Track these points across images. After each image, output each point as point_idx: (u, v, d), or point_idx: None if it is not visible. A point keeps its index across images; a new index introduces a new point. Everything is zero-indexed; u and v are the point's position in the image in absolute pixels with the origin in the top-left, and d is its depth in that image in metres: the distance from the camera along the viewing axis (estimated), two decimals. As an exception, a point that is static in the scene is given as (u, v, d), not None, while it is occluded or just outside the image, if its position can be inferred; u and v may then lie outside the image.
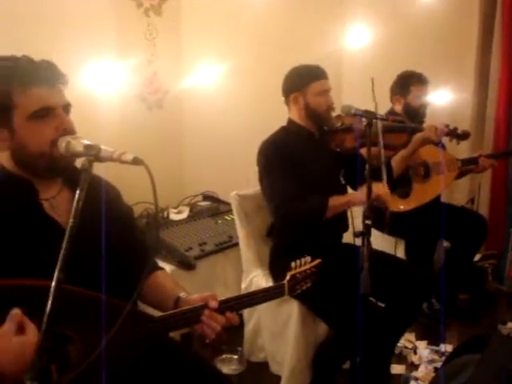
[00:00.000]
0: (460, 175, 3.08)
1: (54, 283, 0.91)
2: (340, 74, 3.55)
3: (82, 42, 2.70)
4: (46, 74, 1.31)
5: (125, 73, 3.03)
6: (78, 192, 1.05)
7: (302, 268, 1.64)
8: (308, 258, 1.67)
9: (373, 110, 2.02)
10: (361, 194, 2.15)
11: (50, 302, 0.89)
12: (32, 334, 1.11)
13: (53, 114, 1.29)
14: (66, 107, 1.35)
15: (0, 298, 1.15)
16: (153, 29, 3.23)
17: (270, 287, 1.61)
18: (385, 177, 2.02)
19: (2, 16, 2.43)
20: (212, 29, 3.39)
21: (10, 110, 1.27)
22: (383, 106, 2.28)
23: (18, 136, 1.29)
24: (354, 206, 2.32)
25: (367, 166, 1.90)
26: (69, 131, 1.30)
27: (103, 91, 2.90)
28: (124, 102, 3.09)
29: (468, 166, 3.05)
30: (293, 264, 1.63)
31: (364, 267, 1.69)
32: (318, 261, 1.70)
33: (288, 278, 1.61)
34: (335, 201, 2.21)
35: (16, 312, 1.12)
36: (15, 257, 1.25)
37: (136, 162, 1.07)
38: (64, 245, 0.97)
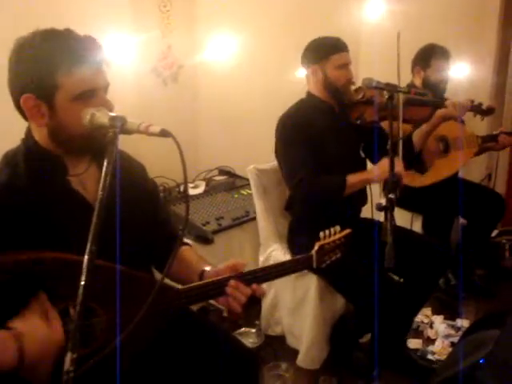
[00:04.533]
0: (479, 152, 3.03)
1: (87, 256, 0.91)
2: (358, 47, 3.48)
3: (94, 15, 2.67)
4: (92, 55, 1.27)
5: (139, 46, 3.00)
6: (105, 165, 1.03)
7: (331, 238, 1.57)
8: (337, 228, 1.59)
9: (393, 79, 1.98)
10: (378, 170, 2.14)
11: (84, 275, 0.88)
12: (57, 324, 1.15)
13: (94, 96, 1.26)
14: (106, 88, 1.32)
15: (29, 271, 1.16)
16: (167, 1, 3.18)
17: (297, 258, 1.55)
18: (401, 153, 1.98)
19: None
20: (227, 1, 3.34)
21: (52, 88, 1.24)
22: (401, 80, 2.24)
23: (58, 115, 1.27)
24: (371, 182, 2.30)
25: (389, 141, 1.87)
26: None
27: (118, 65, 2.87)
28: (139, 76, 3.07)
29: (488, 143, 3.00)
30: (321, 234, 1.56)
31: (388, 242, 1.66)
32: (348, 231, 1.63)
33: (316, 248, 1.54)
34: (353, 179, 2.18)
35: (41, 297, 1.14)
36: (44, 230, 1.25)
37: (164, 133, 1.06)
38: (94, 217, 0.96)
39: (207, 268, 1.48)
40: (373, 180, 2.22)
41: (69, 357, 0.81)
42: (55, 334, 1.14)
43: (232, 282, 1.37)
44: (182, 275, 1.51)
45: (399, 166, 2.03)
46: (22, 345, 1.08)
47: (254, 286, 1.41)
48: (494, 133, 3.02)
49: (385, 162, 2.11)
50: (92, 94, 1.26)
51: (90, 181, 1.39)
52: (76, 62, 1.24)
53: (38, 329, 1.12)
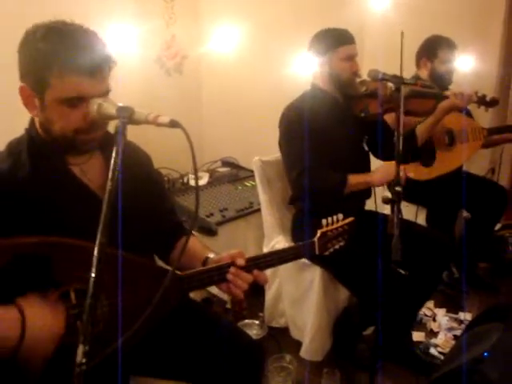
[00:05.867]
0: (484, 145, 3.01)
1: (97, 247, 0.91)
2: (362, 39, 3.46)
3: (99, 5, 2.66)
4: (91, 62, 1.23)
5: (143, 36, 2.99)
6: (113, 156, 1.03)
7: (334, 226, 1.58)
8: (340, 216, 1.60)
9: (397, 71, 1.96)
10: (379, 174, 2.16)
11: (94, 267, 0.88)
12: (61, 316, 1.19)
13: (85, 103, 1.23)
14: (102, 95, 1.25)
15: (31, 254, 1.17)
16: (171, -11, 3.17)
17: (299, 244, 1.55)
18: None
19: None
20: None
21: (43, 85, 1.23)
22: (405, 72, 2.22)
23: (46, 111, 1.27)
24: (372, 186, 2.32)
25: (396, 133, 1.85)
26: (95, 123, 1.27)
27: (122, 55, 2.85)
28: (143, 67, 3.06)
29: (496, 135, 2.98)
30: (324, 221, 1.57)
31: (395, 234, 1.66)
32: (351, 219, 1.63)
33: (318, 235, 1.55)
34: (354, 179, 2.20)
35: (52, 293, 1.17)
36: (46, 217, 1.26)
37: (173, 124, 1.05)
38: (104, 209, 0.96)
39: (211, 255, 1.48)
40: (373, 183, 2.25)
41: (81, 349, 0.81)
42: (57, 324, 1.17)
43: (232, 269, 1.37)
44: (185, 263, 1.49)
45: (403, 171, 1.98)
46: (25, 325, 1.11)
47: (256, 272, 1.40)
48: (502, 125, 3.01)
49: (387, 167, 2.11)
50: (80, 102, 1.23)
51: (92, 169, 1.40)
52: (69, 68, 1.21)
53: (41, 314, 1.15)
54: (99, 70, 1.25)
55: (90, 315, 0.84)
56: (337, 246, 1.61)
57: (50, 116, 1.27)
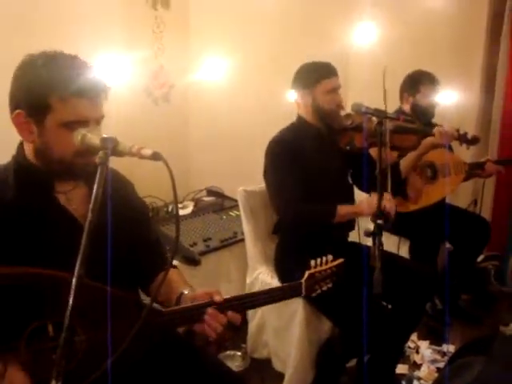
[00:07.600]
0: (466, 178, 3.06)
1: (74, 280, 0.90)
2: (347, 72, 3.52)
3: (88, 35, 2.69)
4: (91, 87, 1.28)
5: (131, 66, 3.01)
6: (95, 186, 1.04)
7: (323, 267, 1.57)
8: (330, 257, 1.59)
9: (382, 104, 2.00)
10: (368, 206, 2.14)
11: (71, 300, 0.87)
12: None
13: (84, 127, 1.26)
14: (99, 120, 1.32)
15: (9, 286, 1.17)
16: (160, 22, 3.22)
17: (285, 286, 1.53)
18: (389, 183, 1.97)
19: (15, 9, 2.42)
20: (220, 23, 3.38)
21: (44, 110, 1.26)
22: (389, 105, 2.25)
23: (45, 136, 1.29)
24: (360, 216, 2.33)
25: (378, 166, 1.88)
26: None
27: (110, 84, 2.86)
28: (130, 96, 3.07)
29: (474, 171, 3.04)
30: (312, 262, 1.56)
31: (376, 267, 1.67)
32: (340, 260, 1.62)
33: (306, 276, 1.54)
34: (343, 210, 2.21)
35: None
36: (30, 245, 1.27)
37: (155, 157, 1.07)
38: (83, 240, 0.96)
39: (185, 291, 1.46)
40: (362, 214, 2.25)
41: (53, 384, 0.80)
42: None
43: (210, 310, 1.35)
44: (162, 295, 1.48)
45: (389, 201, 2.02)
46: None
47: (230, 313, 1.37)
48: (482, 160, 3.07)
49: (374, 197, 2.13)
50: (81, 125, 1.26)
51: (77, 198, 1.41)
52: (72, 91, 1.25)
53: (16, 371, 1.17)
54: (97, 94, 1.30)
55: (65, 351, 0.83)
56: (324, 288, 1.59)
57: (49, 141, 1.29)
